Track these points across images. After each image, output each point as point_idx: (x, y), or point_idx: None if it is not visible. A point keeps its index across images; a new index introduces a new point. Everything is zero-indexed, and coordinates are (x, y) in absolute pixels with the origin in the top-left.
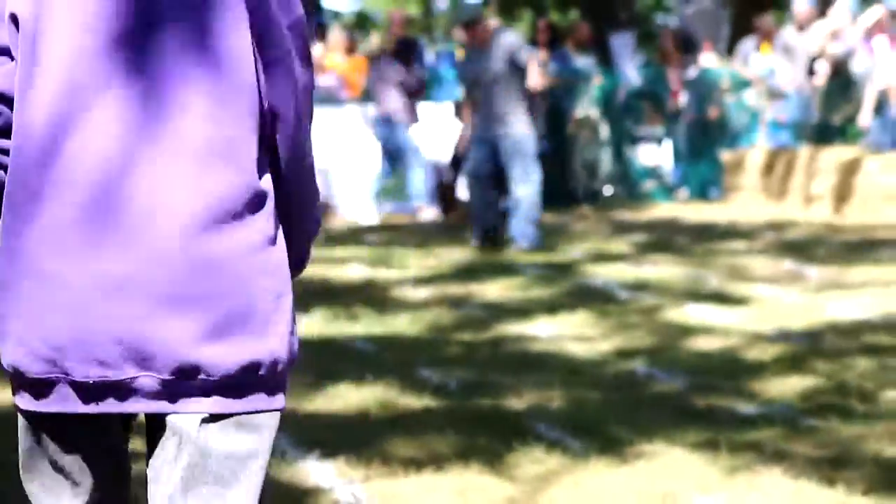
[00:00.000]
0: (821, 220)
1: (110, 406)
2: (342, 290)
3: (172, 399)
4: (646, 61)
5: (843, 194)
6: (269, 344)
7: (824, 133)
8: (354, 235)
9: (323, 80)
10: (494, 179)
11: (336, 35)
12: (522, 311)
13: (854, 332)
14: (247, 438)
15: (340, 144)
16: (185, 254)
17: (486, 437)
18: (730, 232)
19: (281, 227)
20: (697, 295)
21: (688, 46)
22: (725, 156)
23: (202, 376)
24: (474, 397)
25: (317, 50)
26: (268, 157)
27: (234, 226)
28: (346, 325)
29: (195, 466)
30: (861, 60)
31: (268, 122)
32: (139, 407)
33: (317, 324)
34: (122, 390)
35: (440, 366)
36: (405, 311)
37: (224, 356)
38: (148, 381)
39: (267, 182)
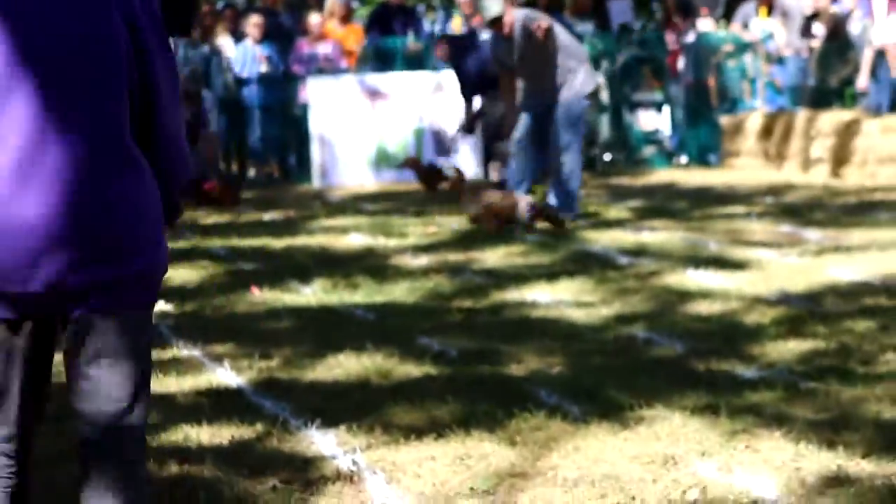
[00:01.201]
0: (820, 183)
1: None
2: (342, 259)
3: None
4: (644, 26)
5: (841, 157)
6: (145, 260)
7: (822, 96)
8: (353, 204)
9: (321, 49)
10: (537, 147)
11: (333, 3)
12: (522, 277)
13: (854, 295)
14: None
15: (339, 113)
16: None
17: (487, 403)
18: (728, 196)
19: (155, 180)
20: (697, 259)
21: (686, 11)
22: (724, 120)
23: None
24: (474, 364)
25: (315, 18)
26: (138, 127)
27: (114, 180)
28: (346, 294)
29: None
30: (858, 22)
31: (137, 99)
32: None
33: (317, 293)
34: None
35: (440, 333)
36: (405, 279)
37: (107, 273)
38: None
39: (136, 147)
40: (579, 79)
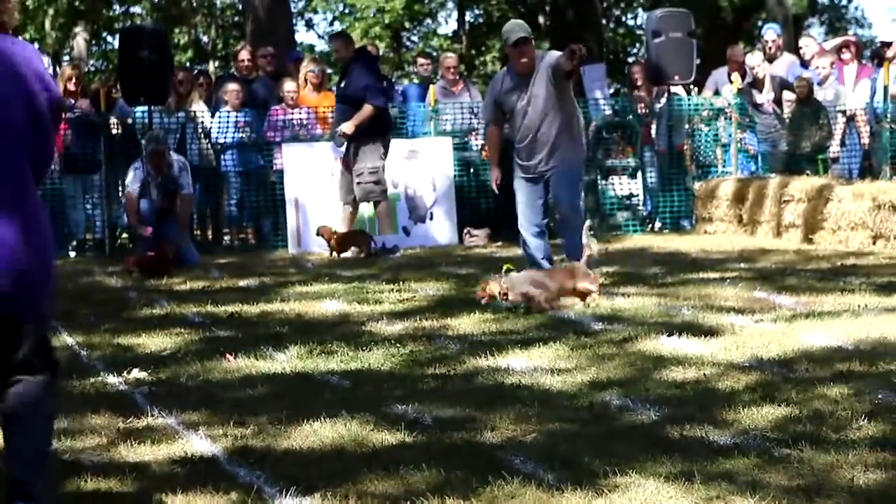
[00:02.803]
0: (793, 248)
1: None
2: (317, 326)
3: None
4: (616, 91)
5: (813, 223)
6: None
7: (794, 162)
8: (328, 270)
9: (296, 115)
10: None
11: (307, 71)
12: (496, 344)
13: (827, 361)
14: None
15: (313, 179)
16: None
17: (462, 471)
18: (702, 262)
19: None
20: (670, 326)
21: (658, 77)
22: (697, 186)
23: None
24: (449, 432)
25: (290, 85)
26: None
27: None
28: (321, 361)
29: None
30: (830, 88)
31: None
32: None
33: (292, 360)
34: None
35: (415, 400)
36: (379, 345)
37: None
38: None
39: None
40: (582, 141)
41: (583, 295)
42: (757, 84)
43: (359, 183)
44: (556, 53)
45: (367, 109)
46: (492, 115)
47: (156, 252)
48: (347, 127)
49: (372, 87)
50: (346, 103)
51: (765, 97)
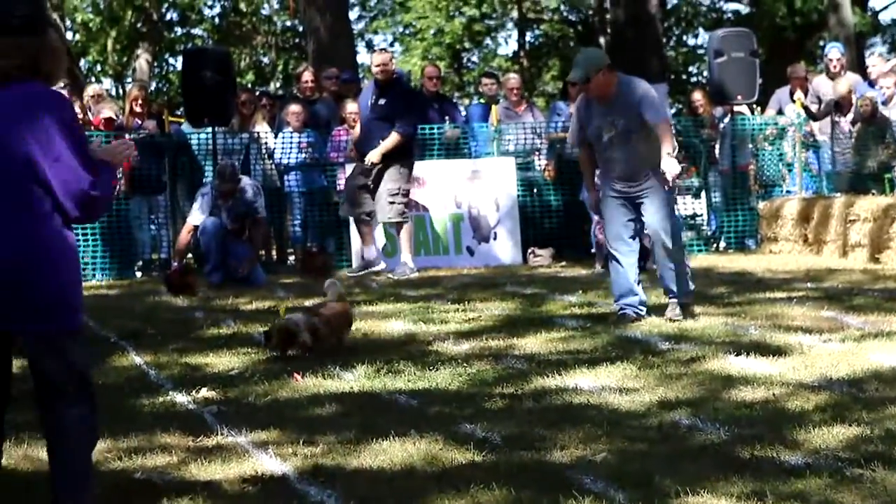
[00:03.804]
0: (859, 268)
1: None
2: (383, 345)
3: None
4: (679, 112)
5: (879, 242)
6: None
7: (860, 180)
8: (393, 290)
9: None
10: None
11: None
12: (563, 363)
13: None
14: None
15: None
16: None
17: (532, 490)
18: (768, 282)
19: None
20: (738, 345)
21: (721, 97)
22: (761, 205)
23: None
24: (518, 451)
25: (353, 106)
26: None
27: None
28: (389, 380)
29: None
30: (894, 108)
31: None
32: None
33: (359, 379)
34: None
35: (483, 420)
36: (446, 365)
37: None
38: None
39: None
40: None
41: None
42: (842, 108)
43: (392, 203)
44: (647, 91)
45: (395, 138)
46: (577, 139)
47: (183, 271)
48: (375, 156)
49: (404, 115)
50: (378, 121)
51: (847, 121)
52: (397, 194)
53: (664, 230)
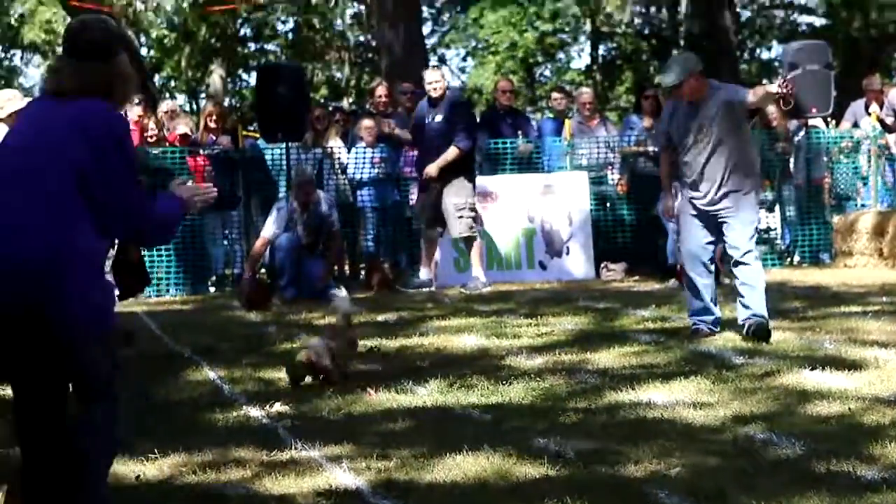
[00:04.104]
0: None
1: None
2: (456, 360)
3: None
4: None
5: None
6: None
7: None
8: (465, 305)
9: None
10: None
11: None
12: (637, 377)
13: None
14: None
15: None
16: None
17: None
18: (843, 296)
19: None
20: (813, 359)
21: (795, 110)
22: (836, 219)
23: None
24: (592, 465)
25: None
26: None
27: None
28: (462, 395)
29: None
30: None
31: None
32: None
33: (432, 393)
34: None
35: (557, 434)
36: (519, 380)
37: None
38: None
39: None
40: (757, 179)
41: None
42: None
43: (461, 218)
44: (735, 88)
45: (453, 152)
46: (662, 142)
47: (258, 286)
48: (433, 169)
49: (462, 129)
50: (436, 138)
51: None
52: (464, 208)
53: (747, 253)
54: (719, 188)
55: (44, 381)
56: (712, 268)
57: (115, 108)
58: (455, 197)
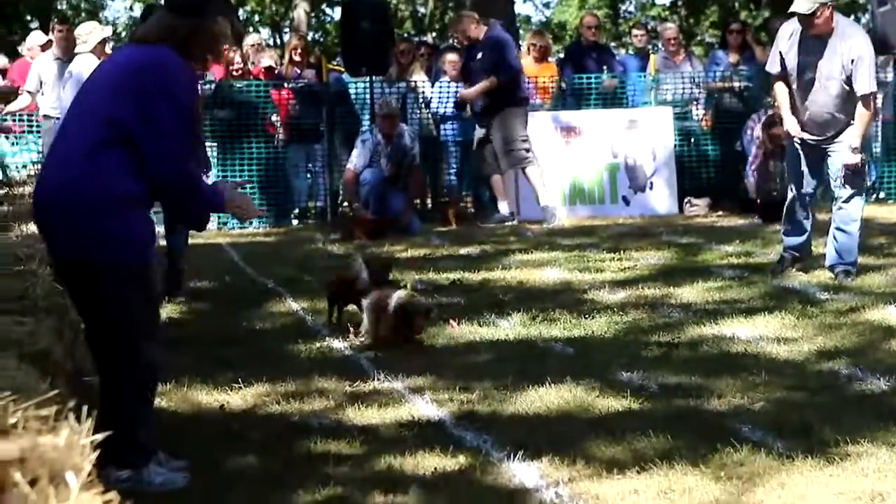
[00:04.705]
0: None
1: None
2: (538, 294)
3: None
4: None
5: None
6: None
7: None
8: (548, 239)
9: None
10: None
11: (529, 42)
12: (720, 312)
13: None
14: None
15: (533, 149)
16: None
17: (689, 438)
18: None
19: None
20: None
21: (883, 46)
22: None
23: None
24: (675, 399)
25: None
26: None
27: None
28: (545, 328)
29: None
30: None
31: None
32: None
33: (515, 327)
34: None
35: (639, 368)
36: (602, 313)
37: None
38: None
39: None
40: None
41: None
42: None
43: (510, 151)
44: (865, 53)
45: (491, 82)
46: (776, 68)
47: (377, 217)
48: (468, 94)
49: (501, 62)
50: (481, 75)
51: None
52: (514, 140)
53: (847, 189)
54: (827, 127)
55: (84, 308)
56: (813, 202)
57: (187, 63)
58: (502, 131)
